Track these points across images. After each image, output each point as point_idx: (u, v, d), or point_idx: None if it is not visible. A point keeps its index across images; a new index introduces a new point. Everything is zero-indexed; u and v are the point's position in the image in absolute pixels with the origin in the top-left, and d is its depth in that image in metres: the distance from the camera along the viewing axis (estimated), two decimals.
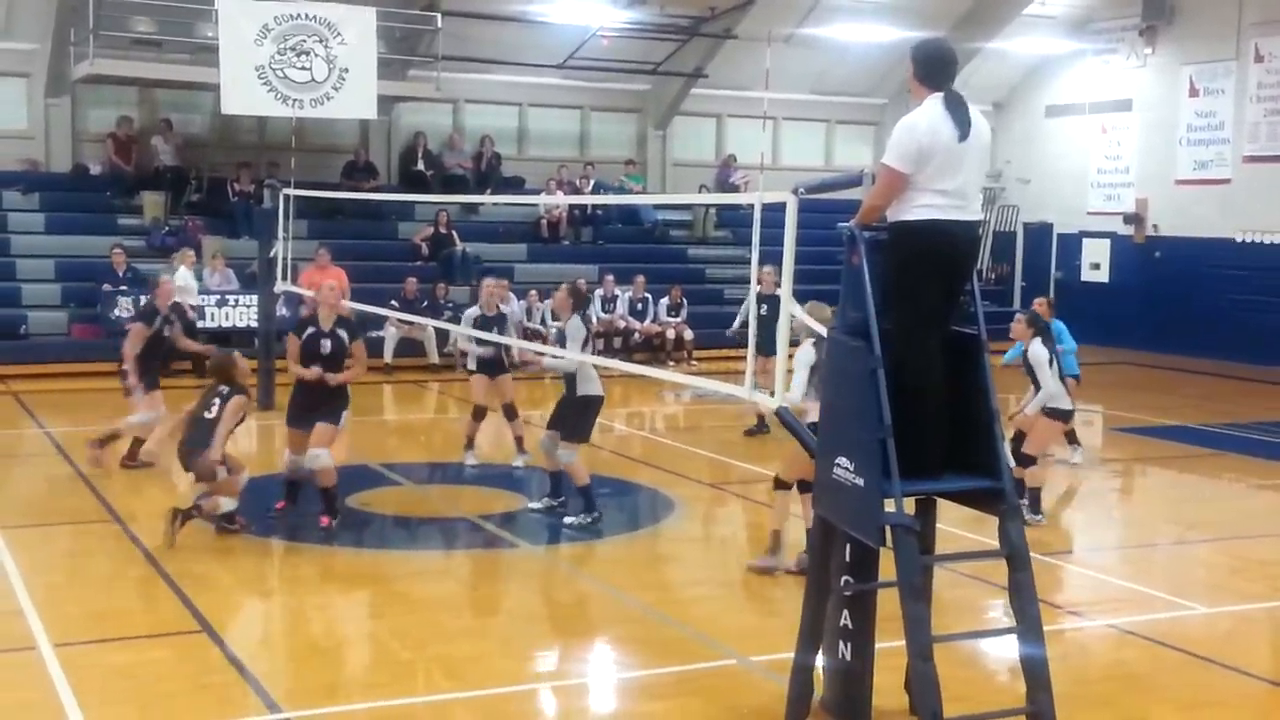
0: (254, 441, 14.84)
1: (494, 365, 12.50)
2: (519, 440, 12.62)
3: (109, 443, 12.21)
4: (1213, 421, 16.52)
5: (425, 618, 8.26)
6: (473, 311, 12.69)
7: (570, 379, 10.41)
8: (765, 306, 13.44)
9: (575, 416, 10.47)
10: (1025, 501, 10.75)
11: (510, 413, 12.63)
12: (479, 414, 12.60)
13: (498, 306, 12.79)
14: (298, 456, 10.29)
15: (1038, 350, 10.79)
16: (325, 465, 10.08)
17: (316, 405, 10.21)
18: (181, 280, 17.94)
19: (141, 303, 14.40)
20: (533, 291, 20.41)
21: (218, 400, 9.85)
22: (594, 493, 10.54)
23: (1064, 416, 11.12)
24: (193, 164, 21.68)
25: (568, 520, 10.50)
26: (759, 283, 14.26)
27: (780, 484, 9.10)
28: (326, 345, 10.26)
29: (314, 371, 10.16)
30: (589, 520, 10.43)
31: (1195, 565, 10.14)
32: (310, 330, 10.36)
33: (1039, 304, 12.64)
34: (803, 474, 8.40)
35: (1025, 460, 10.84)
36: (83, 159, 21.46)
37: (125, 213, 20.82)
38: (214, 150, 22.22)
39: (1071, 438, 13.29)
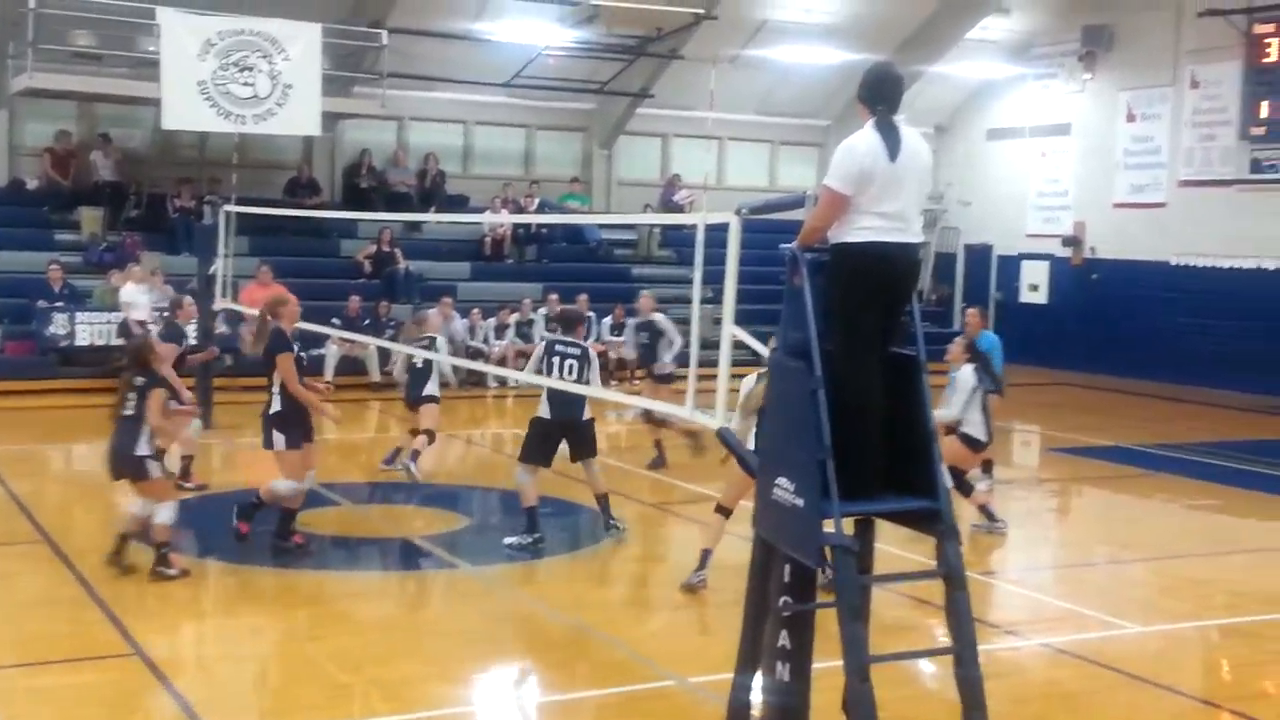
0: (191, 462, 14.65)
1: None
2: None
3: (189, 468, 12.13)
4: (1147, 442, 16.75)
5: (363, 639, 8.18)
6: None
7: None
8: (646, 334, 13.66)
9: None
10: (989, 520, 10.97)
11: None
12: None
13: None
14: (299, 480, 9.97)
15: (965, 376, 10.86)
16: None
17: (307, 423, 10.07)
18: (128, 296, 17.74)
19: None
20: (475, 310, 20.35)
21: (134, 395, 9.14)
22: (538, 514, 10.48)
23: (976, 446, 11.08)
24: (132, 179, 21.42)
25: (507, 541, 10.44)
26: (637, 309, 14.47)
27: (721, 509, 9.11)
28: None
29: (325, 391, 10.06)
30: (528, 541, 10.37)
31: (1129, 585, 10.26)
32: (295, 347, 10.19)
33: (972, 314, 12.75)
34: (742, 499, 8.43)
35: (965, 488, 10.93)
36: (19, 174, 21.16)
37: (62, 228, 20.54)
38: (154, 166, 21.98)
39: (986, 467, 12.93)
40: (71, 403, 17.00)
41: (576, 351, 10.47)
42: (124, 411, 9.14)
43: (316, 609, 8.94)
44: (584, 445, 10.57)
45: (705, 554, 9.16)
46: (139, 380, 9.20)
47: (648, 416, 13.46)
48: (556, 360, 10.43)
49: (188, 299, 13.63)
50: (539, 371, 10.45)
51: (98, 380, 17.72)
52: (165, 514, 9.14)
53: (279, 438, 9.91)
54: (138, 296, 17.85)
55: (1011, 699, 7.10)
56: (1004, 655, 8.18)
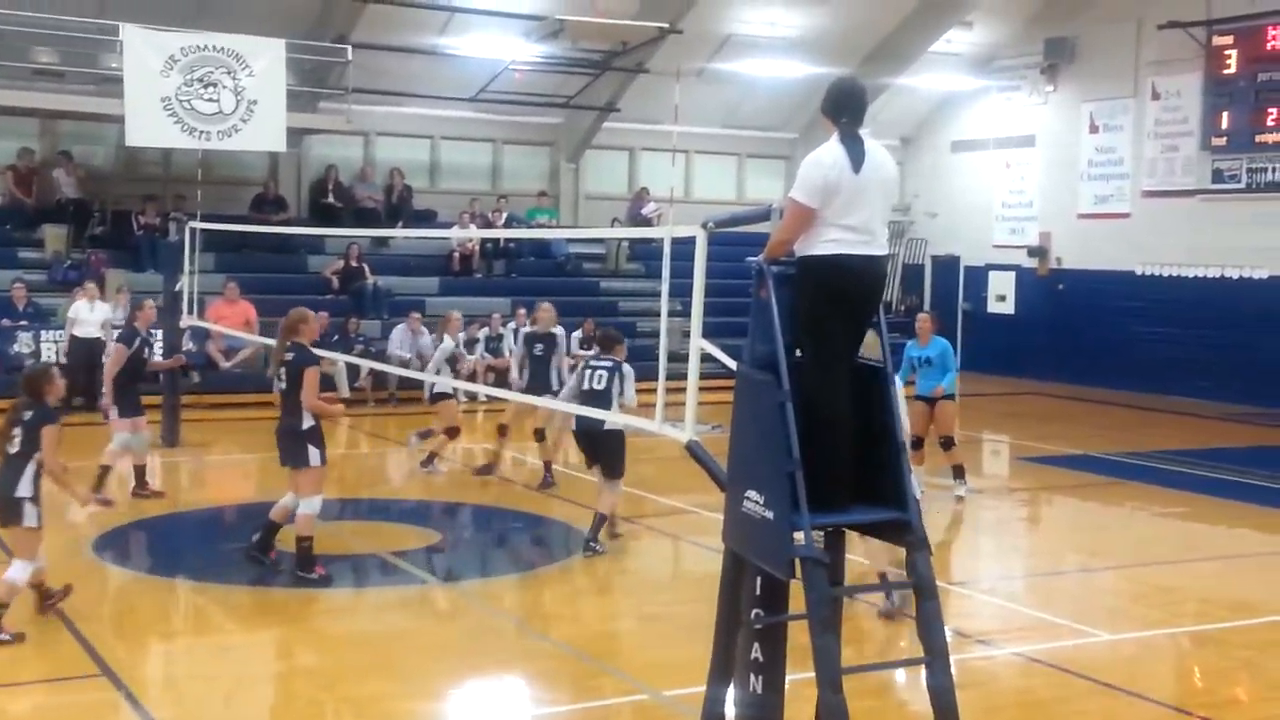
0: (158, 480, 14.55)
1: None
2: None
3: (104, 480, 12.03)
4: (1115, 450, 16.86)
5: (335, 657, 8.13)
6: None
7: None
8: (541, 346, 13.55)
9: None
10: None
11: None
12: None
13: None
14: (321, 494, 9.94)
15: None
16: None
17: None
18: (74, 313, 17.59)
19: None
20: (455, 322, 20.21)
21: (19, 430, 8.21)
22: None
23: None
24: (96, 196, 21.28)
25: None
26: (533, 321, 14.43)
27: None
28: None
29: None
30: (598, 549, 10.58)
31: (1099, 593, 10.31)
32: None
33: (922, 318, 13.23)
34: None
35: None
36: None
37: (26, 246, 20.36)
38: (118, 183, 21.83)
39: (959, 472, 13.18)
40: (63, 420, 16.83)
41: (608, 364, 10.79)
42: (9, 449, 8.21)
43: (288, 627, 8.88)
44: (603, 456, 10.67)
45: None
46: (27, 414, 8.27)
47: (539, 436, 13.45)
48: (589, 373, 10.78)
49: (149, 302, 13.54)
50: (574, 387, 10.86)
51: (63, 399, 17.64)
52: (15, 572, 8.17)
53: (315, 453, 9.63)
54: (84, 313, 17.67)
55: (984, 708, 7.12)
56: (976, 664, 8.21)
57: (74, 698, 7.25)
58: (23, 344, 17.83)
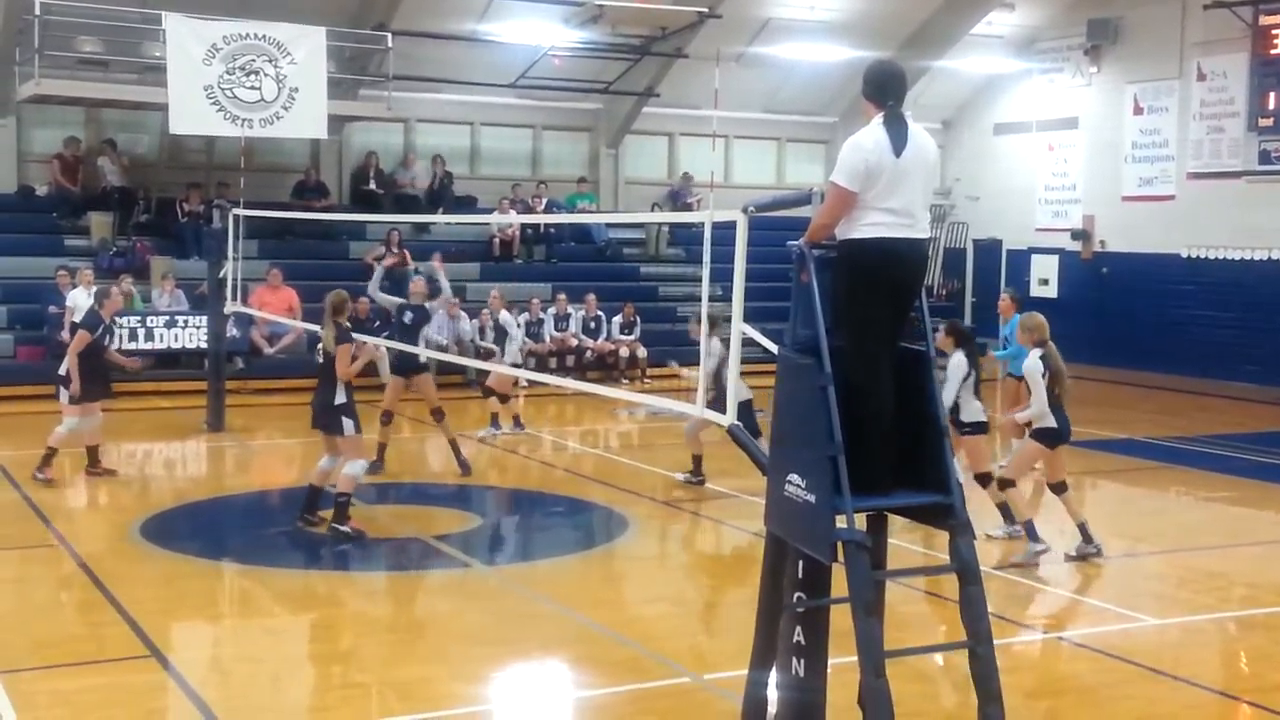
0: (203, 465, 14.74)
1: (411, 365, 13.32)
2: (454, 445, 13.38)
3: (49, 462, 12.29)
4: (1160, 435, 16.71)
5: (376, 639, 8.20)
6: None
7: None
8: (493, 333, 13.91)
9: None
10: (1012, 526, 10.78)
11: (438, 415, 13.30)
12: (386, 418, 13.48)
13: (425, 298, 13.88)
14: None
15: (958, 362, 10.58)
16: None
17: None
18: (71, 301, 17.77)
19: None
20: (485, 311, 20.34)
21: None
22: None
23: (981, 430, 10.85)
24: (141, 184, 21.46)
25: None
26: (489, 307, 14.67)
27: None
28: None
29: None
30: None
31: (1144, 578, 10.24)
32: None
33: (1001, 300, 13.95)
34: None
35: (984, 480, 10.80)
36: (28, 180, 21.19)
37: (72, 234, 20.57)
38: (162, 170, 22.01)
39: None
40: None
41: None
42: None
43: (330, 610, 8.96)
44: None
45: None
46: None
47: (439, 416, 13.52)
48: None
49: (115, 290, 13.58)
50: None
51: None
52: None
53: (349, 424, 10.38)
54: (82, 300, 17.78)
55: (1028, 693, 7.10)
56: (1020, 649, 8.17)
57: (123, 678, 7.35)
58: (69, 330, 18.00)
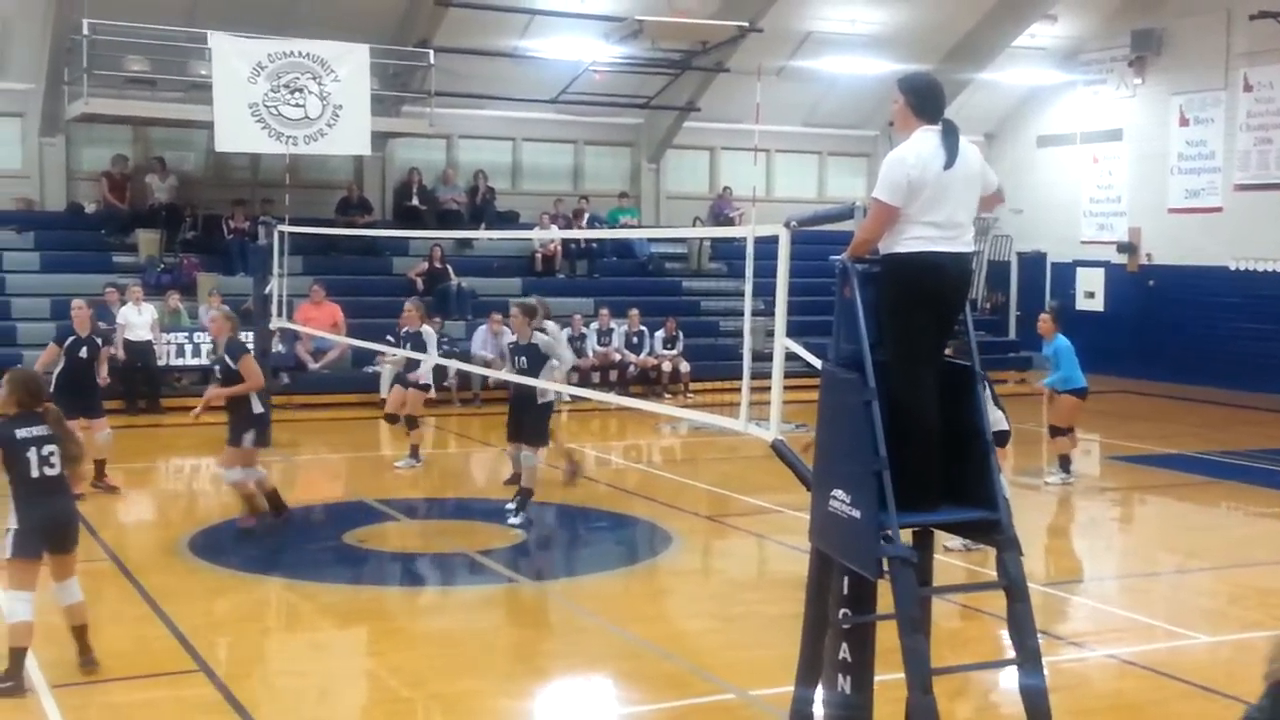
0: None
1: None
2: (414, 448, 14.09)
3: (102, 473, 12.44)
4: (1209, 449, 16.52)
5: (423, 654, 8.22)
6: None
7: (530, 389, 11.12)
8: (409, 345, 13.90)
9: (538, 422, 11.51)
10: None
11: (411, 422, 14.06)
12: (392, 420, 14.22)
13: (420, 324, 14.18)
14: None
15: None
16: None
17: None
18: (123, 318, 18.00)
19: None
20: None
21: None
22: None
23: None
24: (187, 202, 21.70)
25: (511, 519, 11.31)
26: (401, 321, 14.63)
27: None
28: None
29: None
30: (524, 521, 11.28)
31: (1195, 594, 10.11)
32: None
33: (1044, 318, 14.11)
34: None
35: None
36: (77, 198, 21.48)
37: (120, 251, 20.83)
38: (208, 188, 22.25)
39: (1062, 462, 13.84)
40: (130, 422, 17.25)
41: None
42: None
43: (377, 624, 9.00)
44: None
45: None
46: None
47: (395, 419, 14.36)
48: None
49: (77, 302, 13.27)
50: None
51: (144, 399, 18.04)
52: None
53: (249, 436, 10.90)
54: (133, 317, 18.09)
55: (1076, 710, 7.02)
56: (1068, 666, 8.09)
57: (172, 692, 7.41)
58: (117, 346, 18.21)
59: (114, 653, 8.05)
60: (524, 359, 11.44)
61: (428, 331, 14.29)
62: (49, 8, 19.51)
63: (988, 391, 10.66)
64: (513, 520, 11.30)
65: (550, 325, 11.29)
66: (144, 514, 12.80)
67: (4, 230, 20.43)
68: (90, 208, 21.34)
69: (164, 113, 20.56)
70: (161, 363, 18.55)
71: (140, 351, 18.08)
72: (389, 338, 14.81)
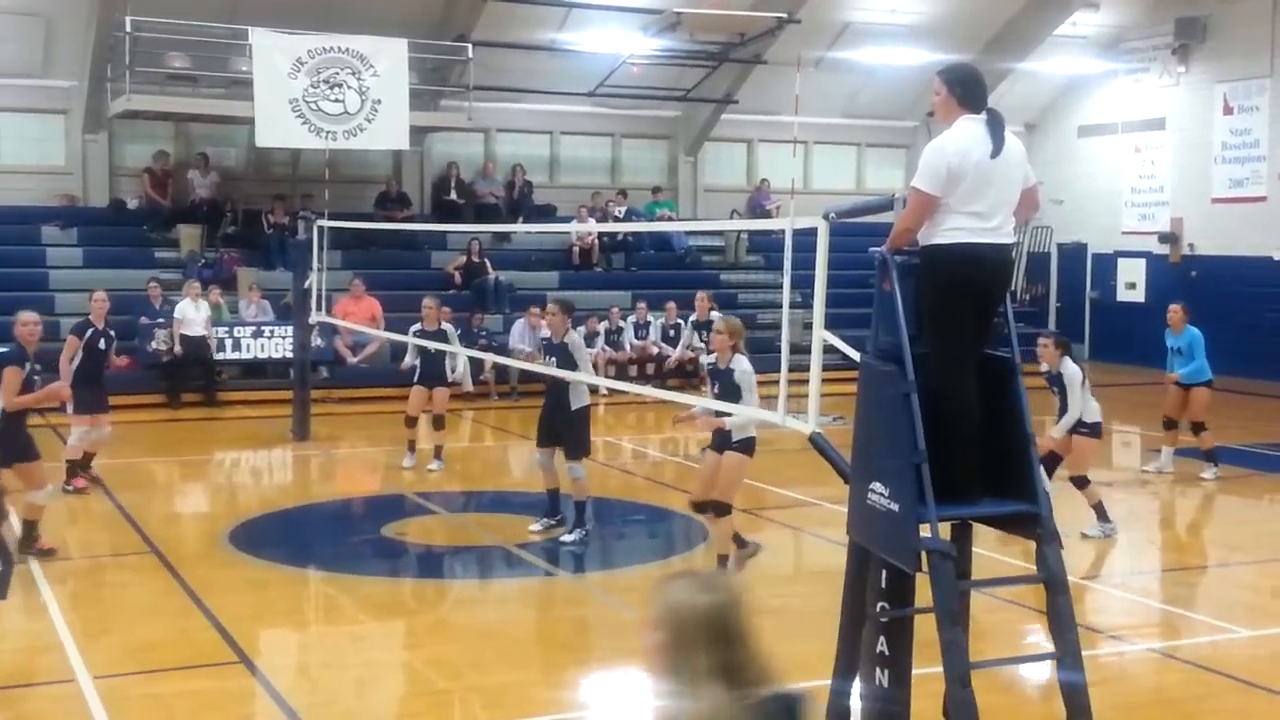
0: (289, 473, 14.96)
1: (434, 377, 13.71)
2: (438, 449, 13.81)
3: (77, 472, 12.29)
4: (1253, 442, 16.34)
5: (462, 646, 8.26)
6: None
7: (562, 393, 10.61)
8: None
9: (577, 431, 10.75)
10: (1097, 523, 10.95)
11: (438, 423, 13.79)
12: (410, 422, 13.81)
13: (438, 322, 13.79)
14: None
15: (1071, 369, 10.94)
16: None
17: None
18: (179, 313, 18.16)
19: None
20: (591, 317, 20.27)
21: None
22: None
23: (1096, 431, 11.13)
24: (228, 197, 21.88)
25: (564, 538, 10.68)
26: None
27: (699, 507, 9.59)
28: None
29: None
30: (582, 536, 10.69)
31: (1238, 588, 10.01)
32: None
33: (1173, 310, 14.46)
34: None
35: (1079, 483, 11.00)
36: (120, 194, 21.69)
37: (162, 246, 21.02)
38: (249, 183, 22.43)
39: (1209, 456, 13.83)
40: (172, 415, 17.43)
41: None
42: None
43: (416, 617, 9.05)
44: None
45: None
46: None
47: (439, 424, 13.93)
48: None
49: (98, 294, 12.88)
50: None
51: (199, 394, 18.22)
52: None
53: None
54: (189, 312, 18.25)
55: (1117, 705, 6.96)
56: (1108, 660, 8.03)
57: (213, 683, 7.48)
58: (160, 341, 18.40)
59: (157, 644, 8.14)
60: (555, 359, 11.11)
61: (448, 329, 13.98)
62: (92, 6, 19.72)
63: (1087, 383, 10.72)
64: (567, 537, 10.71)
65: (572, 335, 10.92)
66: (186, 507, 12.91)
67: (48, 226, 20.66)
68: (132, 204, 21.54)
69: (205, 109, 20.73)
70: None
71: (196, 345, 18.24)
72: (414, 330, 14.22)
